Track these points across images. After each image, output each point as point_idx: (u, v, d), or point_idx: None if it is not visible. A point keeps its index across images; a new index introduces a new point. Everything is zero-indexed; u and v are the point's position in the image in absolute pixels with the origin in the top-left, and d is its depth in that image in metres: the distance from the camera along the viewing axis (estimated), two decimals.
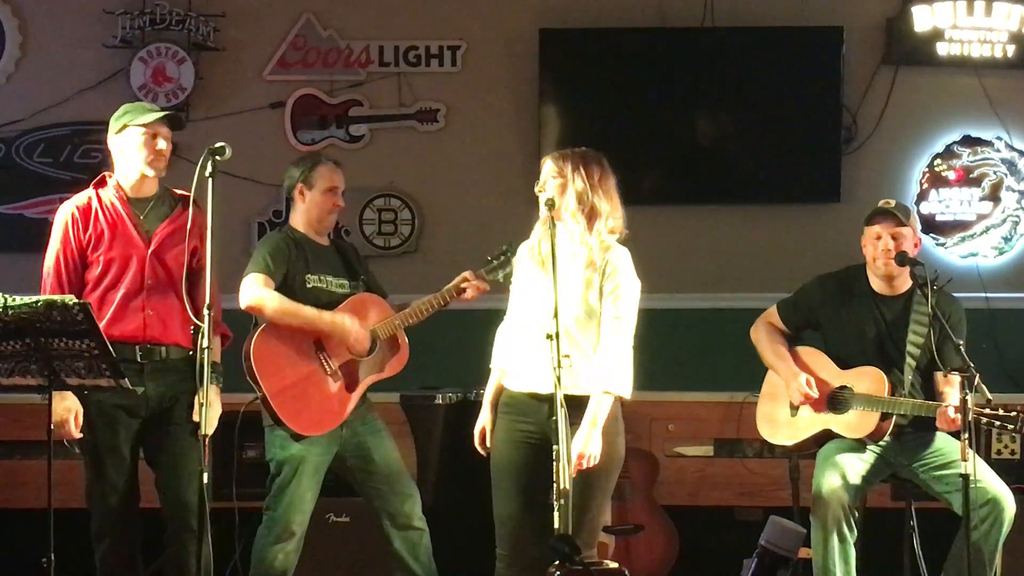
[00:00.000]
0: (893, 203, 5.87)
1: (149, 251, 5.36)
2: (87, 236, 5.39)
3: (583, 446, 4.98)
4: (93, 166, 8.14)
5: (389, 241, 8.08)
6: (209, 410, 5.10)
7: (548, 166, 5.16)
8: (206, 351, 4.95)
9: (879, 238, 5.81)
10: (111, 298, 5.34)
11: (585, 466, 4.98)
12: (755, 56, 8.07)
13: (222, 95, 7.99)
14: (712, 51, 8.09)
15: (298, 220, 5.93)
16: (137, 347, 5.35)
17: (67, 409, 5.28)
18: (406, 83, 8.21)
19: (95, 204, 5.42)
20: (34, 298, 4.94)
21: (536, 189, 5.18)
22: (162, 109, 5.55)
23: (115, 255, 5.36)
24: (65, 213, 5.45)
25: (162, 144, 5.41)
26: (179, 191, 5.53)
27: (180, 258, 5.37)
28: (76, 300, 4.92)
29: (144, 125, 5.39)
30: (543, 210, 5.08)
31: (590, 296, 5.11)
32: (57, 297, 4.94)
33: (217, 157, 5.10)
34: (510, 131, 8.06)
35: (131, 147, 5.40)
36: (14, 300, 4.93)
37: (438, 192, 8.20)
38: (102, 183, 5.48)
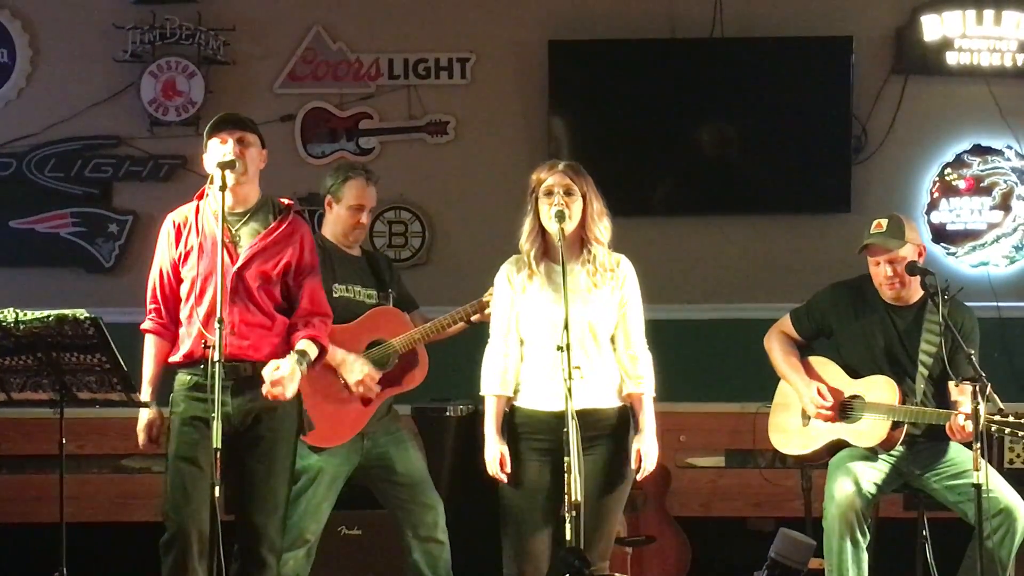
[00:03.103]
0: (885, 224, 5.85)
1: (235, 267, 5.16)
2: (178, 252, 5.24)
3: (653, 452, 5.15)
4: (103, 180, 8.19)
5: (400, 254, 8.08)
6: (281, 368, 5.06)
7: (557, 179, 5.10)
8: (217, 364, 4.91)
9: (878, 265, 5.83)
10: (194, 315, 5.18)
11: (649, 472, 5.15)
12: (764, 67, 8.06)
13: (232, 108, 7.85)
14: (721, 62, 8.08)
15: (327, 230, 5.99)
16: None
17: (146, 420, 5.21)
18: (416, 96, 8.21)
19: (191, 219, 5.25)
20: (45, 313, 4.95)
21: (533, 192, 5.13)
22: (227, 116, 5.34)
23: (201, 272, 5.19)
24: (164, 227, 5.32)
25: (229, 147, 5.19)
26: (284, 199, 5.39)
27: (268, 274, 5.21)
28: (87, 314, 4.92)
29: (209, 136, 5.23)
30: (551, 223, 5.06)
31: (599, 308, 5.11)
32: (68, 312, 4.94)
33: (228, 171, 5.09)
34: (520, 143, 8.05)
35: (209, 162, 5.22)
36: (25, 315, 4.95)
37: (448, 204, 8.20)
38: (203, 196, 5.30)
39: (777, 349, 6.05)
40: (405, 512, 5.86)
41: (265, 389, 5.09)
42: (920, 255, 5.85)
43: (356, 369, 5.74)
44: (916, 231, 5.95)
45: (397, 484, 5.86)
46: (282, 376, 5.08)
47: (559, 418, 4.98)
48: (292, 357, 5.14)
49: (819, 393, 5.84)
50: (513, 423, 5.16)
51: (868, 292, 5.92)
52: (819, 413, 5.85)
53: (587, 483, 4.87)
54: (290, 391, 5.12)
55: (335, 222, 5.95)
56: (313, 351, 5.24)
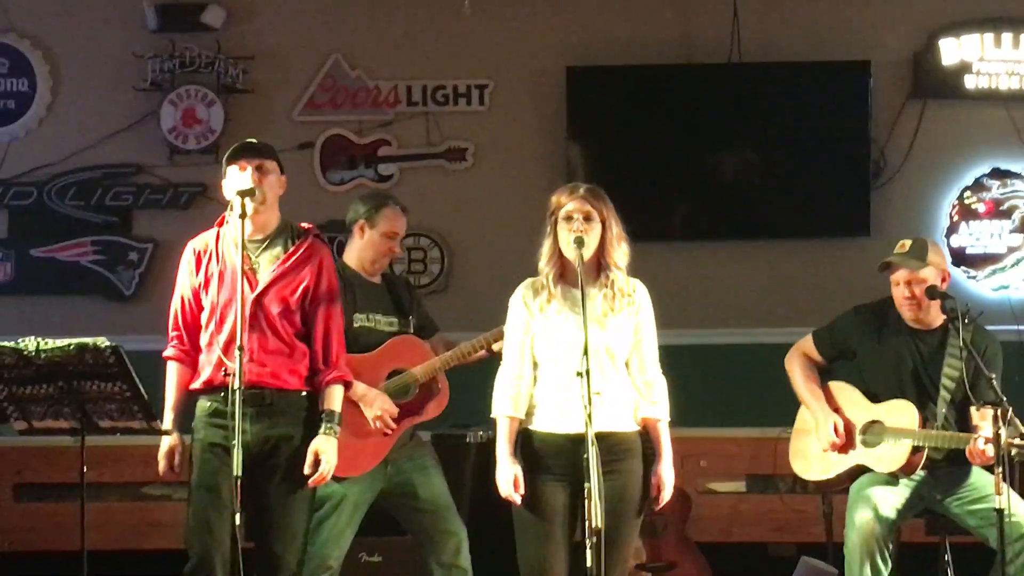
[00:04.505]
0: (908, 245, 5.84)
1: (254, 294, 5.14)
2: (198, 280, 5.22)
3: (671, 479, 5.10)
4: (124, 209, 8.23)
5: (419, 280, 8.09)
6: (324, 459, 5.11)
7: (577, 204, 5.09)
8: (238, 391, 4.90)
9: (898, 285, 5.82)
10: (215, 342, 5.16)
11: (666, 500, 5.11)
12: (782, 91, 8.08)
13: (251, 136, 7.99)
14: (739, 87, 8.10)
15: (352, 256, 5.94)
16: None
17: (167, 447, 5.21)
18: (434, 122, 8.24)
19: (212, 246, 5.24)
20: (66, 341, 4.96)
21: (553, 215, 5.12)
22: (246, 144, 5.32)
23: (221, 299, 5.16)
24: (185, 255, 5.31)
25: (248, 174, 5.16)
26: (304, 224, 5.38)
27: (287, 300, 5.18)
28: (108, 343, 4.93)
29: (228, 163, 5.22)
30: (569, 249, 5.05)
31: (617, 332, 5.10)
32: (89, 340, 4.95)
33: (247, 198, 5.10)
34: (538, 169, 8.07)
35: (228, 190, 5.20)
36: (46, 343, 4.96)
37: (467, 231, 8.22)
38: (223, 223, 5.27)
39: (798, 373, 6.03)
40: (428, 538, 5.85)
41: (312, 481, 5.16)
42: (944, 280, 5.83)
43: (376, 405, 5.74)
44: (941, 255, 5.94)
45: (420, 511, 5.85)
46: (323, 471, 5.15)
47: (574, 441, 4.95)
48: (323, 431, 5.17)
49: (835, 429, 5.82)
50: (528, 447, 5.14)
51: (891, 315, 5.90)
52: (830, 448, 5.83)
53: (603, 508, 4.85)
54: (330, 469, 5.18)
55: (366, 248, 5.91)
56: (339, 401, 5.26)
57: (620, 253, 5.12)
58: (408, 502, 5.85)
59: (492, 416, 5.17)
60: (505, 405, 5.14)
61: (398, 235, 5.95)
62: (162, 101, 8.19)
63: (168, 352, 5.29)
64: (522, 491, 5.05)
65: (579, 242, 5.02)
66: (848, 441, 5.83)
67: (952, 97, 8.06)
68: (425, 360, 5.89)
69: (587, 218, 5.06)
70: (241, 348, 4.92)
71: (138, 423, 5.10)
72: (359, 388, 5.67)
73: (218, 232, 5.28)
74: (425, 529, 5.85)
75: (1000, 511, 5.24)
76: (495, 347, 5.77)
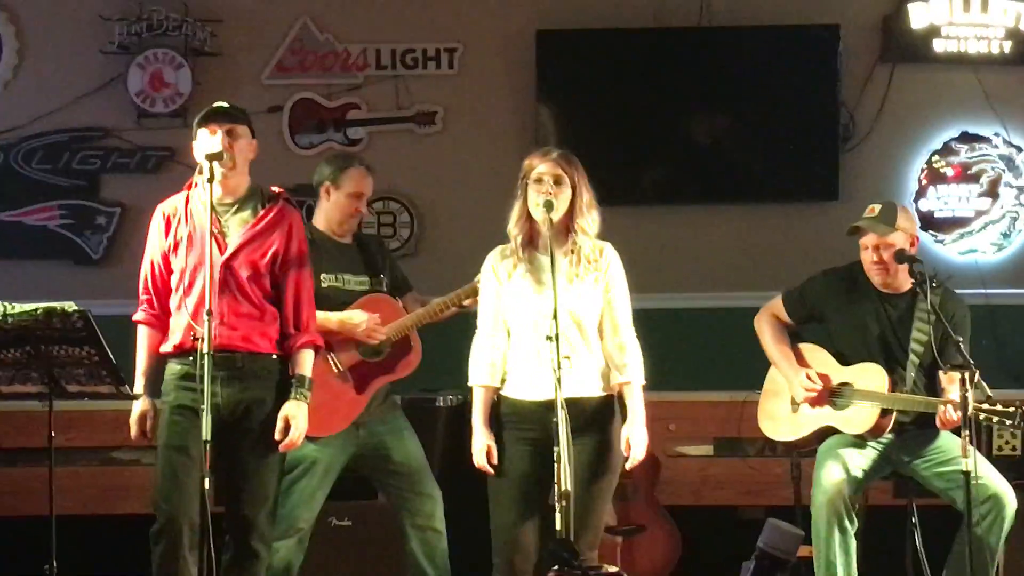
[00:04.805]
0: (877, 210, 5.85)
1: (223, 258, 5.14)
2: (167, 243, 5.22)
3: (641, 440, 5.12)
4: (91, 172, 8.18)
5: (389, 244, 8.06)
6: (294, 424, 5.12)
7: (548, 167, 5.09)
8: (207, 356, 4.89)
9: (866, 249, 5.83)
10: (184, 306, 5.15)
11: (638, 460, 5.11)
12: (752, 55, 8.07)
13: (220, 100, 7.98)
14: (709, 51, 8.09)
15: (320, 219, 5.96)
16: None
17: (139, 412, 5.21)
18: (403, 86, 8.20)
19: (181, 209, 5.23)
20: (34, 306, 4.94)
21: (524, 178, 5.12)
22: (217, 108, 5.31)
23: (190, 263, 5.15)
24: (154, 218, 5.30)
25: (218, 138, 5.16)
26: (275, 188, 5.37)
27: (257, 263, 5.18)
28: (76, 307, 4.92)
29: (199, 126, 5.21)
30: (538, 212, 5.05)
31: (586, 296, 5.10)
32: (57, 304, 4.93)
33: (216, 162, 5.08)
34: (508, 133, 8.05)
35: (197, 152, 5.19)
36: (14, 308, 4.94)
37: (437, 194, 8.20)
38: (192, 186, 5.26)
39: (768, 333, 6.05)
40: (402, 501, 5.86)
41: (282, 446, 5.16)
42: (912, 244, 5.85)
43: (357, 319, 5.74)
44: (911, 220, 5.95)
45: (394, 473, 5.86)
46: (292, 437, 5.15)
47: (545, 407, 4.97)
48: (293, 396, 5.17)
49: (808, 378, 5.85)
50: (499, 413, 5.16)
51: (860, 279, 5.92)
52: (807, 397, 5.85)
53: (574, 473, 4.86)
54: (300, 434, 5.18)
55: (333, 209, 5.92)
56: (310, 366, 5.26)
57: (589, 220, 5.13)
58: (382, 464, 5.87)
59: (468, 384, 5.19)
60: (481, 374, 5.16)
61: (364, 195, 5.95)
62: (129, 64, 8.13)
63: (138, 316, 5.29)
64: (495, 461, 5.07)
65: (548, 205, 5.03)
66: (822, 393, 5.84)
67: (921, 61, 8.06)
68: (397, 318, 5.89)
69: (557, 182, 5.06)
70: (210, 312, 4.91)
71: (106, 388, 5.08)
72: (333, 317, 5.68)
73: (187, 195, 5.26)
74: (400, 492, 5.87)
75: (967, 473, 5.27)
76: (466, 303, 5.79)
